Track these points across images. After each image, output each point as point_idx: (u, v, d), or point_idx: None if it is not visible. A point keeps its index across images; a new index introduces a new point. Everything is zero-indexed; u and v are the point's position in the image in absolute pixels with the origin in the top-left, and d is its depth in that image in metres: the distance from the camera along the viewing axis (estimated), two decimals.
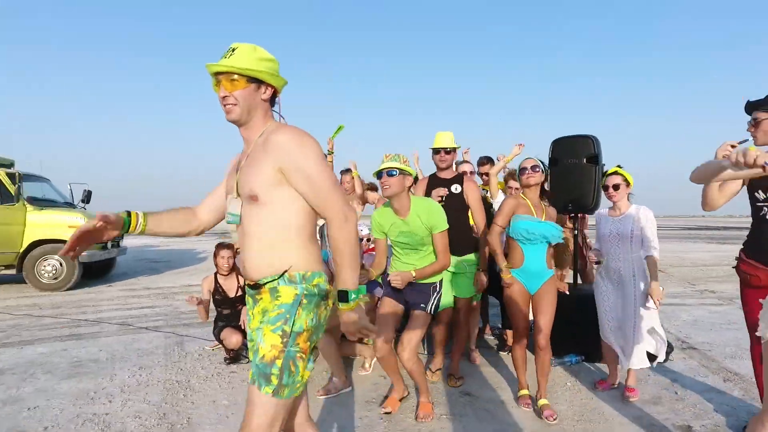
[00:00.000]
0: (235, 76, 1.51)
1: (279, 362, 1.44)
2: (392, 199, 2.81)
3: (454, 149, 3.52)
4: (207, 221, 1.78)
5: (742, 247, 2.54)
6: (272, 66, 1.57)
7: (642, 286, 3.08)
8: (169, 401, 3.20)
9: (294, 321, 1.48)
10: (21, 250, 7.95)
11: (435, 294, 2.95)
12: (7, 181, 7.89)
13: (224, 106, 1.55)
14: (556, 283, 2.99)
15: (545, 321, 2.90)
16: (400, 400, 3.08)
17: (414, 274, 2.84)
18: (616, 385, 3.35)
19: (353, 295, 1.48)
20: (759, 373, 2.50)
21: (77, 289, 8.10)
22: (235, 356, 3.99)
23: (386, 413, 2.94)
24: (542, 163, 2.94)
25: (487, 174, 4.62)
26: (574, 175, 4.02)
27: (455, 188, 3.47)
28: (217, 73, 1.53)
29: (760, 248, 2.41)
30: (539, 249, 2.88)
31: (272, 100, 1.63)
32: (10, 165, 9.40)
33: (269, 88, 1.58)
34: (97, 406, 3.13)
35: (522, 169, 2.92)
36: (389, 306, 2.96)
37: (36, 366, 3.96)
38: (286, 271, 1.50)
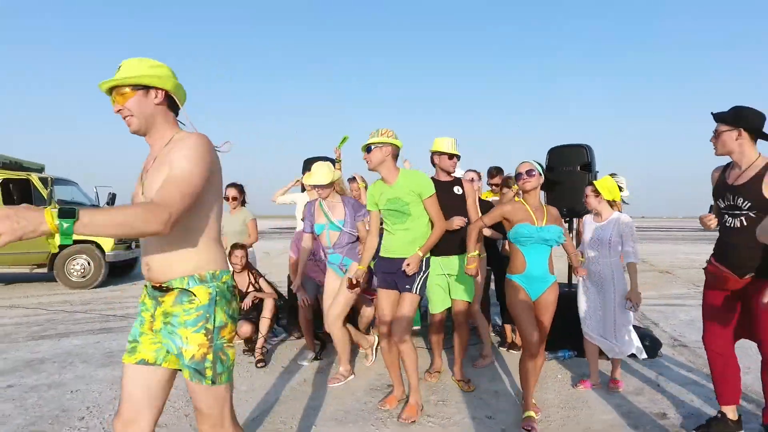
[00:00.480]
0: (125, 89, 1.57)
1: (210, 356, 1.58)
2: (378, 171, 3.04)
3: (456, 156, 3.58)
4: None
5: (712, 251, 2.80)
6: (158, 71, 1.61)
7: (621, 288, 3.34)
8: None
9: (214, 318, 1.60)
10: (51, 251, 8.45)
11: (420, 274, 3.04)
12: (39, 185, 8.40)
13: (124, 119, 1.60)
14: (579, 270, 3.02)
15: (545, 328, 2.86)
16: (399, 401, 3.21)
17: (420, 253, 2.97)
18: (596, 385, 3.51)
19: (65, 224, 1.23)
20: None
21: (104, 287, 8.58)
22: (251, 347, 4.34)
23: (385, 410, 3.14)
24: (539, 165, 2.88)
25: (497, 185, 4.74)
26: (568, 182, 4.30)
27: (457, 190, 3.57)
28: (111, 92, 1.61)
29: (723, 253, 2.65)
30: (541, 253, 2.82)
31: (174, 108, 1.68)
32: (41, 169, 9.96)
33: (159, 92, 1.61)
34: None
35: (518, 175, 2.87)
36: (384, 297, 3.13)
37: (73, 356, 4.36)
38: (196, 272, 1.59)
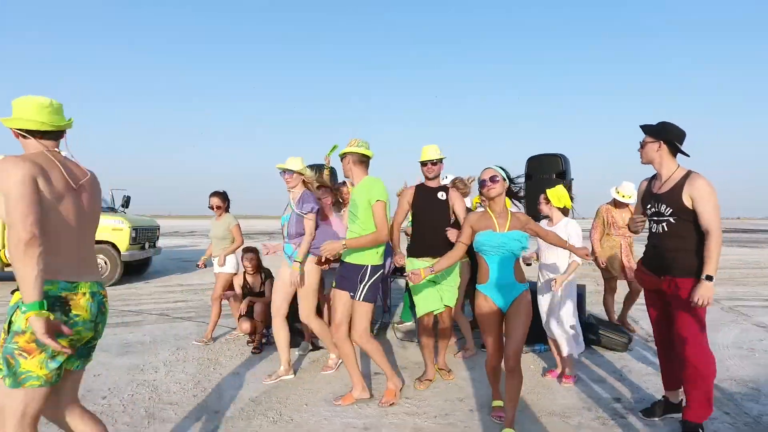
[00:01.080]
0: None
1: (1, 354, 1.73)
2: (348, 177, 3.39)
3: (440, 160, 3.75)
4: None
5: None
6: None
7: (566, 287, 3.65)
8: (202, 373, 3.98)
9: (11, 321, 1.73)
10: None
11: (363, 281, 3.22)
12: None
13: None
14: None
15: (515, 341, 2.70)
16: (357, 400, 3.36)
17: (343, 242, 3.14)
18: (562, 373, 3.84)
19: (24, 308, 1.62)
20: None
21: (119, 285, 9.08)
22: (253, 339, 4.77)
23: (338, 405, 3.30)
24: (503, 170, 2.84)
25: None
26: (545, 189, 4.65)
27: (441, 195, 3.74)
28: None
29: (647, 256, 2.98)
30: (504, 262, 2.74)
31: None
32: None
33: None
34: (146, 375, 3.93)
35: (481, 182, 2.82)
36: (336, 297, 3.34)
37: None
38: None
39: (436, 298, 3.66)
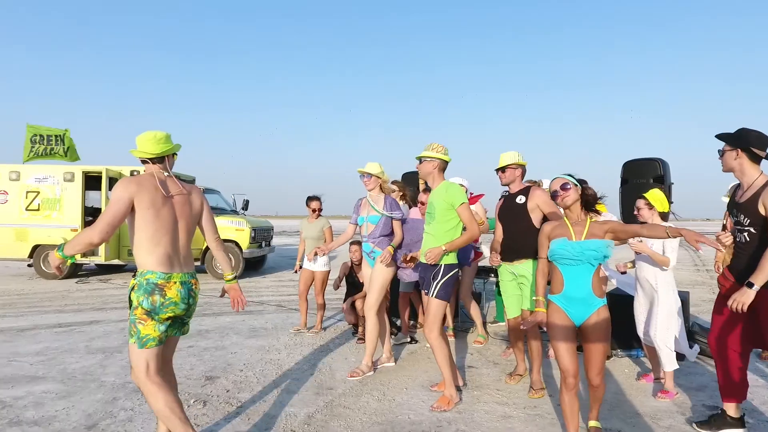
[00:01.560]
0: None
1: (129, 323, 2.41)
2: (426, 180, 3.59)
3: (506, 167, 3.81)
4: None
5: None
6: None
7: (666, 296, 3.55)
8: (316, 356, 4.60)
9: (130, 299, 2.40)
10: (203, 248, 10.38)
11: (435, 279, 3.38)
12: None
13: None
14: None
15: (596, 362, 2.58)
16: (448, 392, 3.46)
17: (444, 247, 3.30)
18: (659, 379, 3.75)
19: (60, 252, 2.32)
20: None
21: (241, 279, 10.30)
22: (356, 330, 5.32)
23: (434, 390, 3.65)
24: (572, 177, 2.74)
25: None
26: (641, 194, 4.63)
27: (519, 199, 3.77)
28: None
29: (733, 264, 2.90)
30: (581, 272, 2.58)
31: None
32: (193, 181, 12.11)
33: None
34: (271, 355, 4.65)
35: (553, 194, 2.74)
36: (424, 297, 3.57)
37: (228, 329, 5.70)
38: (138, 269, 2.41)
39: (517, 304, 3.81)
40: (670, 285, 3.60)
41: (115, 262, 10.39)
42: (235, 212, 11.74)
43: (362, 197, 4.36)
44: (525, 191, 3.79)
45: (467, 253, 5.02)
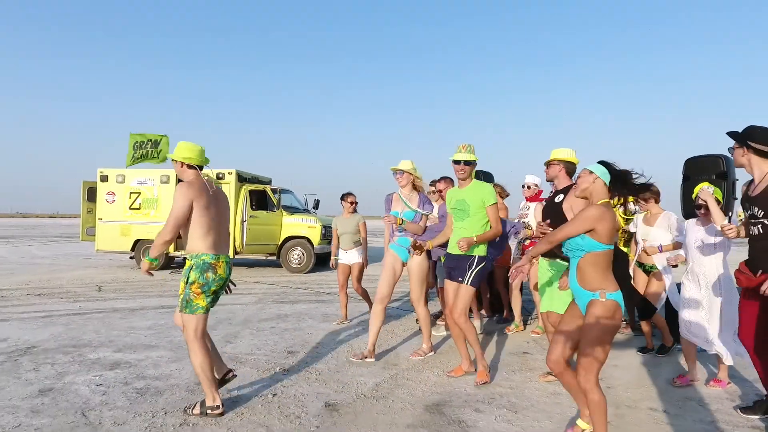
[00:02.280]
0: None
1: (182, 296, 3.01)
2: (461, 180, 3.79)
3: (551, 162, 3.83)
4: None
5: None
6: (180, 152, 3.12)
7: (727, 288, 3.52)
8: (382, 338, 5.06)
9: (188, 277, 2.97)
10: (279, 243, 11.24)
11: (471, 268, 3.70)
12: (271, 194, 11.25)
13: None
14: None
15: (580, 358, 2.44)
16: (465, 372, 3.86)
17: (474, 238, 3.61)
18: (694, 381, 3.71)
19: (148, 257, 3.06)
20: None
21: (312, 272, 11.05)
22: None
23: (450, 376, 3.85)
24: (604, 165, 2.59)
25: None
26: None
27: (558, 198, 3.72)
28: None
29: (749, 257, 2.95)
30: (571, 263, 2.57)
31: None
32: (270, 182, 13.07)
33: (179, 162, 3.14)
34: (341, 336, 5.18)
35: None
36: (449, 287, 3.85)
37: (304, 315, 6.33)
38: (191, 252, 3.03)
39: (557, 299, 3.62)
40: (731, 280, 3.50)
41: None
42: (306, 211, 12.55)
43: (391, 192, 4.52)
44: (566, 190, 3.72)
45: (499, 248, 4.89)
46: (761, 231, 2.83)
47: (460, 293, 3.73)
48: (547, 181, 3.96)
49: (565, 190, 3.68)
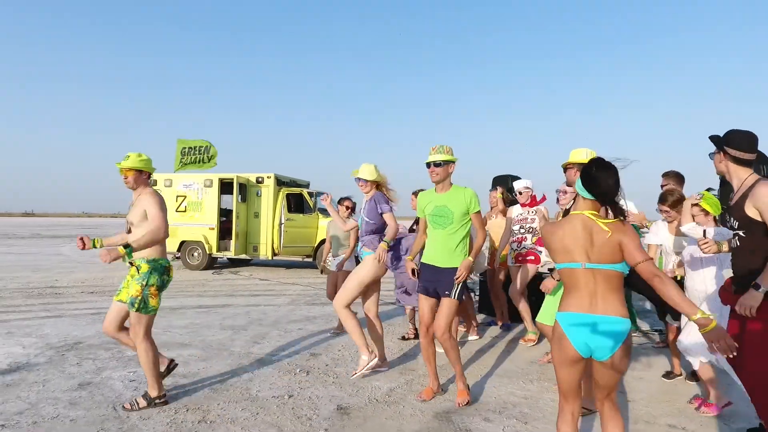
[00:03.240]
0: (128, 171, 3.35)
1: (139, 297, 3.19)
2: (437, 184, 3.45)
3: (568, 165, 3.77)
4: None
5: None
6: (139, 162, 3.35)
7: (711, 306, 3.21)
8: (404, 344, 5.12)
9: (148, 280, 3.21)
10: (315, 245, 11.50)
11: (459, 282, 3.36)
12: (308, 198, 11.53)
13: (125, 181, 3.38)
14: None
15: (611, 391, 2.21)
16: (435, 394, 3.58)
17: (471, 258, 3.36)
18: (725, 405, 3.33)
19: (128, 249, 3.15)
20: None
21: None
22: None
23: (421, 400, 3.52)
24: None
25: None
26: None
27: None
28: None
29: (733, 271, 2.72)
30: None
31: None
32: (307, 185, 13.39)
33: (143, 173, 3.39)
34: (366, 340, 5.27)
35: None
36: (424, 302, 3.50)
37: (333, 317, 6.47)
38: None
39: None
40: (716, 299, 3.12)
41: (242, 256, 11.96)
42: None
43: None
44: None
45: (398, 258, 4.76)
46: (738, 244, 2.59)
47: (443, 309, 3.37)
48: (567, 185, 3.83)
49: None
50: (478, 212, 3.44)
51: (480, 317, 6.61)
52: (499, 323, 5.91)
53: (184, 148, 12.51)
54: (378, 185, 4.05)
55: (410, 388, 3.79)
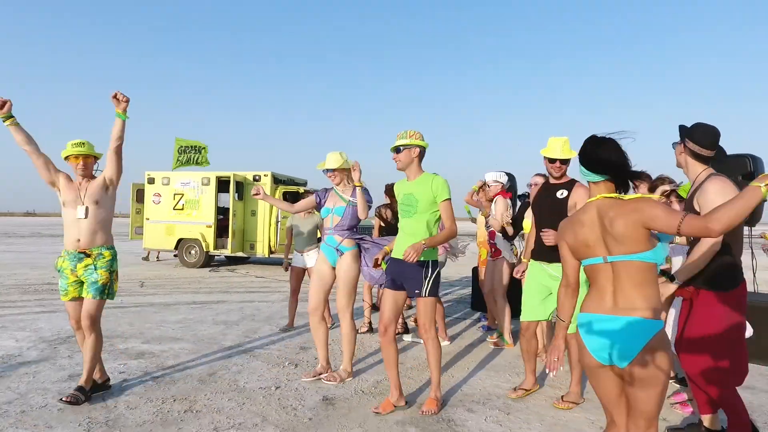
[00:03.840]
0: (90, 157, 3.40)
1: (107, 284, 3.31)
2: (405, 170, 3.24)
3: (568, 160, 3.41)
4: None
5: None
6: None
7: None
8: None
9: (112, 266, 3.34)
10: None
11: (427, 278, 3.13)
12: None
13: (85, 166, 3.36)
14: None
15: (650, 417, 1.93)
16: (396, 407, 3.24)
17: (423, 242, 3.00)
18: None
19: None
20: None
21: None
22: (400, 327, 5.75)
23: (376, 412, 3.19)
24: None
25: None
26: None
27: (561, 193, 3.38)
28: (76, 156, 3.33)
29: None
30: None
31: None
32: (305, 183, 13.44)
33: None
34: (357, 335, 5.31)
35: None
36: (388, 296, 3.25)
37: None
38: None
39: (546, 308, 3.44)
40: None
41: (239, 254, 12.01)
42: None
43: (330, 188, 3.99)
44: (569, 185, 3.39)
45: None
46: (691, 238, 2.59)
47: (419, 308, 3.19)
48: (556, 177, 3.46)
49: (569, 186, 3.37)
50: (447, 200, 3.15)
51: (476, 314, 6.65)
52: (487, 323, 5.69)
53: (181, 146, 12.57)
54: (348, 173, 3.86)
55: None
